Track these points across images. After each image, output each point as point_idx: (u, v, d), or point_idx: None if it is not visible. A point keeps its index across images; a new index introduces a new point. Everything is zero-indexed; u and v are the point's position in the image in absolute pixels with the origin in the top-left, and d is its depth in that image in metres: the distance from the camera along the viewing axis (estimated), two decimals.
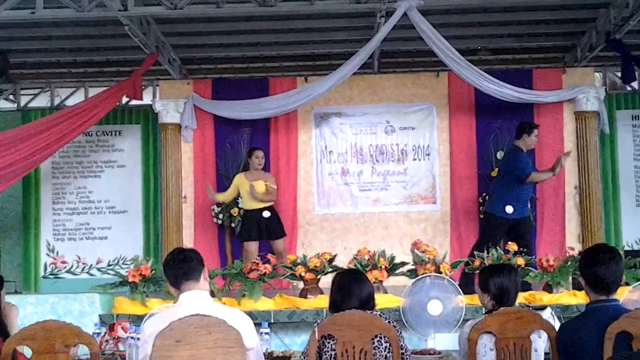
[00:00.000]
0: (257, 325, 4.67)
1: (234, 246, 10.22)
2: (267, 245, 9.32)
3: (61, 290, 9.13)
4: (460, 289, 6.34)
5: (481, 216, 10.07)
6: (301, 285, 7.90)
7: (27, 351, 4.48)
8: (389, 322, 4.39)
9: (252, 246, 9.22)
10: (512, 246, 7.84)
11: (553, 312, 5.67)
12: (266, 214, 9.26)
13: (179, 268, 4.10)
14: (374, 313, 4.49)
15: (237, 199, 9.98)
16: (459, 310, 5.89)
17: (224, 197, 9.60)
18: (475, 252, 8.03)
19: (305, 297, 7.63)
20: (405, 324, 5.90)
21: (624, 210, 11.01)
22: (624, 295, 5.88)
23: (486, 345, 4.35)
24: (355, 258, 7.80)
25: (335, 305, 4.44)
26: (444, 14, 9.56)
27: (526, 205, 8.94)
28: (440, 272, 7.33)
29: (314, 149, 10.47)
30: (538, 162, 9.73)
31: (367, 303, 4.54)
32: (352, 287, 4.56)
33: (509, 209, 8.68)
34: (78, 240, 11.08)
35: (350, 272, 5.01)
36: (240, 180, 9.43)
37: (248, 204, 9.37)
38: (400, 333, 4.44)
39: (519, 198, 8.77)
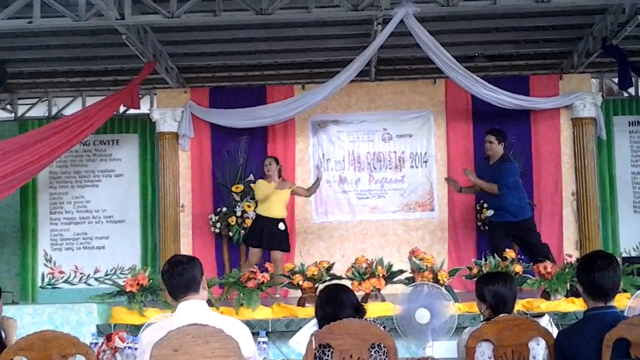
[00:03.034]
0: (255, 334, 4.65)
1: (231, 255, 10.23)
2: (267, 252, 9.37)
3: (59, 300, 9.14)
4: (460, 297, 6.33)
5: (479, 223, 10.12)
6: (298, 293, 7.89)
7: None
8: (384, 328, 4.40)
9: (258, 253, 9.24)
10: (510, 253, 7.84)
11: (551, 320, 5.64)
12: (281, 226, 9.28)
13: (177, 281, 4.04)
14: (369, 321, 4.50)
15: (235, 208, 9.99)
16: (451, 319, 5.86)
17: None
18: (474, 260, 8.05)
19: (303, 305, 7.62)
20: (400, 332, 5.89)
21: (621, 217, 11.01)
22: (629, 302, 5.89)
23: (484, 353, 4.34)
24: (353, 266, 7.80)
25: (328, 319, 4.41)
26: (440, 21, 9.58)
27: (510, 212, 8.96)
28: (438, 280, 7.34)
29: (311, 157, 10.48)
30: (535, 168, 9.78)
31: (359, 311, 4.55)
32: (343, 297, 4.59)
33: (489, 212, 9.17)
34: (75, 250, 11.06)
35: (336, 285, 5.00)
36: (265, 185, 9.33)
37: (267, 211, 9.33)
38: None
39: (489, 200, 9.15)
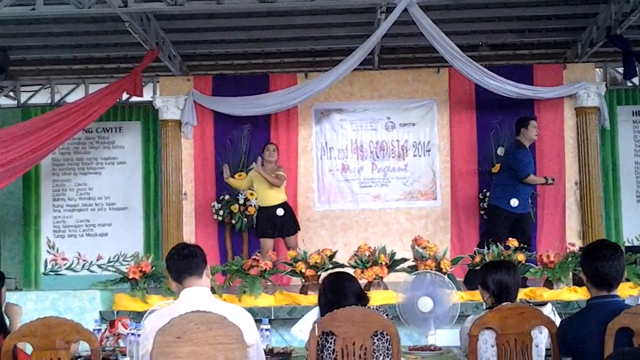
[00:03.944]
0: (258, 321, 4.67)
1: (234, 243, 10.24)
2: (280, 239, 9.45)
3: (61, 287, 9.14)
4: (462, 285, 6.35)
5: (482, 212, 10.09)
6: (301, 281, 7.91)
7: (28, 348, 4.48)
8: (387, 316, 4.41)
9: (268, 243, 9.26)
10: (513, 242, 7.83)
11: (554, 308, 5.68)
12: (280, 212, 9.28)
13: (182, 263, 4.09)
14: (372, 309, 4.50)
15: (237, 196, 9.99)
16: (453, 307, 5.88)
17: (236, 182, 9.68)
18: (476, 249, 8.06)
19: (306, 293, 7.65)
20: (403, 320, 5.90)
21: (624, 206, 11.01)
22: None
23: (487, 341, 4.34)
24: (355, 254, 7.81)
25: (330, 306, 4.43)
26: (444, 10, 9.54)
27: (528, 201, 8.97)
28: (441, 269, 7.35)
29: (314, 145, 10.47)
30: (538, 158, 9.73)
31: (362, 299, 4.56)
32: (346, 285, 4.60)
33: (514, 202, 8.79)
34: (78, 237, 11.07)
35: (339, 273, 5.02)
36: (254, 175, 9.47)
37: (263, 200, 9.38)
38: None
39: (522, 192, 8.84)
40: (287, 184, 9.84)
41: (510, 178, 8.88)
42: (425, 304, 5.73)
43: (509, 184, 8.87)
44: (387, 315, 4.49)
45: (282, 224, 9.29)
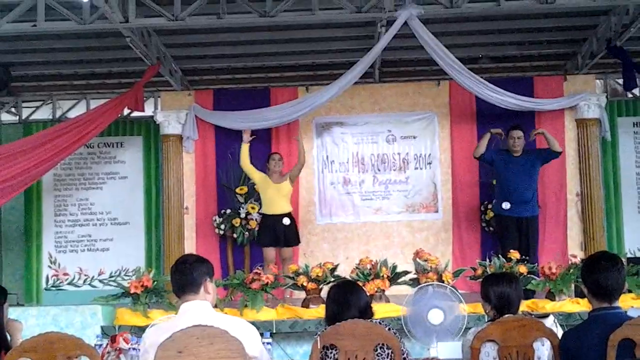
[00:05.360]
0: (259, 335, 4.65)
1: (235, 256, 10.23)
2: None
3: (63, 302, 9.14)
4: (465, 297, 6.33)
5: (483, 224, 10.10)
6: (303, 294, 7.89)
7: None
8: (389, 329, 4.40)
9: (271, 253, 9.20)
10: (514, 254, 7.82)
11: (556, 320, 5.64)
12: (286, 221, 9.22)
13: (178, 278, 4.10)
14: (375, 322, 4.49)
15: (239, 210, 9.99)
16: (460, 319, 5.87)
17: (245, 159, 9.42)
18: (478, 261, 8.05)
19: (308, 306, 7.63)
20: (407, 333, 5.89)
21: (626, 217, 10.98)
22: None
23: (489, 354, 4.33)
24: (357, 267, 7.80)
25: (334, 317, 4.44)
26: (444, 23, 9.57)
27: (527, 205, 8.92)
28: (443, 281, 7.34)
29: (315, 158, 10.47)
30: (540, 169, 9.69)
31: (365, 312, 4.55)
32: (349, 298, 4.59)
33: (505, 205, 8.88)
34: (80, 252, 11.08)
35: (345, 284, 5.02)
36: (263, 179, 9.33)
37: (270, 208, 9.30)
38: (401, 339, 4.46)
39: (508, 193, 8.88)
40: None
41: (499, 182, 9.10)
42: (435, 316, 5.73)
43: (498, 188, 9.08)
44: (389, 329, 4.48)
45: (286, 233, 9.23)
